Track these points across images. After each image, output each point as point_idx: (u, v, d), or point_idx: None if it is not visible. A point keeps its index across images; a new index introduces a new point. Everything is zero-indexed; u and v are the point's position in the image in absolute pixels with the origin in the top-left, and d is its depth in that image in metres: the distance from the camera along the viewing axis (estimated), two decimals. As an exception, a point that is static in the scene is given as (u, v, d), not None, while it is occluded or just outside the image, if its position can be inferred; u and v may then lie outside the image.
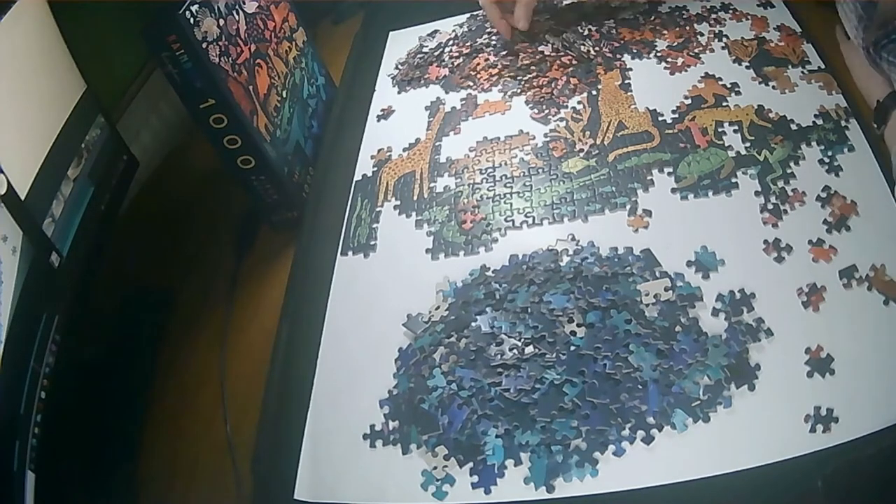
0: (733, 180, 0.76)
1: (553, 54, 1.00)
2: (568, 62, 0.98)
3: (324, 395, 0.72)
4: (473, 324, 0.71)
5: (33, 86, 0.75)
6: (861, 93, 0.79)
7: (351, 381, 0.72)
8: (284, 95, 0.92)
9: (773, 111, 0.81)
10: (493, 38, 1.07)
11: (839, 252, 0.67)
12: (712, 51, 0.92)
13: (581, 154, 0.85)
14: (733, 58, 0.90)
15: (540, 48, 1.01)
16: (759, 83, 0.85)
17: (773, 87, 0.84)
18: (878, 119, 0.75)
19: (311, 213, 0.91)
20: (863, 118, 0.77)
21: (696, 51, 0.93)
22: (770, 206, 0.72)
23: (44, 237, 0.70)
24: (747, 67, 0.88)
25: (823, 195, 0.72)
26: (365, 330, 0.76)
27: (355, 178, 0.94)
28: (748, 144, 0.79)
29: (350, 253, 0.84)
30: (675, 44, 0.95)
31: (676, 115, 0.85)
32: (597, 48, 0.99)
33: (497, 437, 0.63)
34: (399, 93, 1.06)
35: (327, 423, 0.70)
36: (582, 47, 0.99)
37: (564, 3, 1.10)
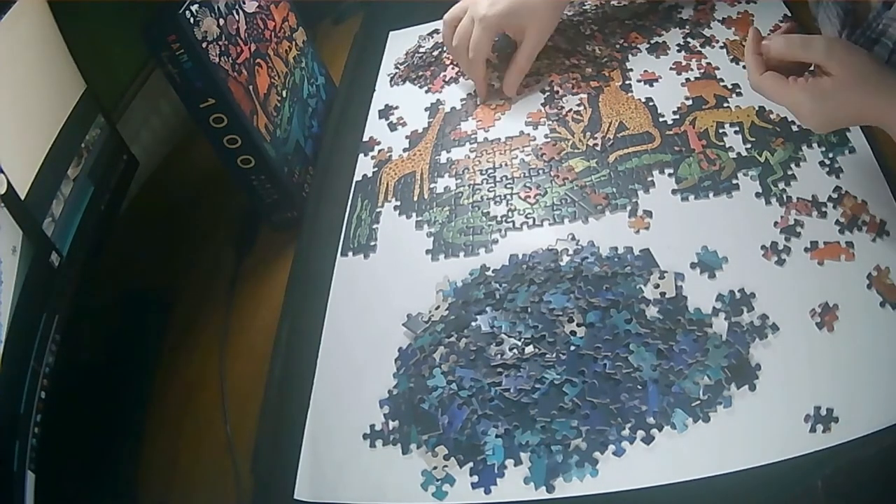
0: (734, 182, 0.76)
1: (560, 55, 0.99)
2: (577, 62, 0.97)
3: (324, 395, 0.72)
4: (473, 324, 0.71)
5: (33, 86, 0.74)
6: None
7: (351, 380, 0.72)
8: (284, 95, 0.92)
9: (773, 112, 0.81)
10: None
11: (839, 254, 0.67)
12: (712, 50, 0.92)
13: (581, 155, 0.85)
14: (731, 57, 0.90)
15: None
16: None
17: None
18: None
19: (311, 213, 0.91)
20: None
21: (697, 51, 0.93)
22: (771, 208, 0.72)
23: (44, 237, 0.69)
24: (744, 66, 0.88)
25: (823, 197, 0.72)
26: (365, 330, 0.76)
27: (355, 179, 0.93)
28: (749, 146, 0.79)
29: (350, 253, 0.84)
30: (676, 44, 0.95)
31: (677, 116, 0.85)
32: (600, 48, 0.99)
33: (497, 437, 0.63)
34: (399, 93, 1.06)
35: (327, 422, 0.70)
36: (587, 46, 0.99)
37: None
